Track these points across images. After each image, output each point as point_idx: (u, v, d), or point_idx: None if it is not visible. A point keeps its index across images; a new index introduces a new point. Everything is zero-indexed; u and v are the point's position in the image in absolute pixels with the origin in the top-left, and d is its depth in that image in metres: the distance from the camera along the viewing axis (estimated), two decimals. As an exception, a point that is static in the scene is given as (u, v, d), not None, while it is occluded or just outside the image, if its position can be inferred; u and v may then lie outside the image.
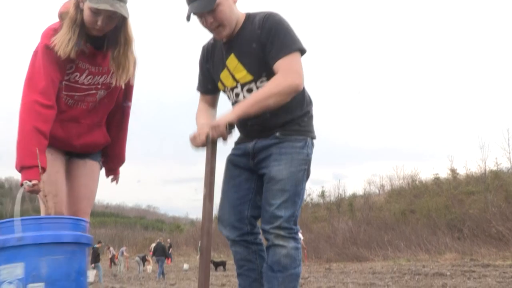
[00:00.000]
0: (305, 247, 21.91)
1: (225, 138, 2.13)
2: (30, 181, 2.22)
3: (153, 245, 27.29)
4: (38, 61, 2.35)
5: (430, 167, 73.03)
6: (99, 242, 19.09)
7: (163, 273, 18.27)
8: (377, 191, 41.12)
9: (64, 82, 2.45)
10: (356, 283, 8.57)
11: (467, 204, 25.70)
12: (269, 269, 2.17)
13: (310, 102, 2.40)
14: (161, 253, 19.19)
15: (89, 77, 2.49)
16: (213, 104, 2.54)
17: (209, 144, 2.12)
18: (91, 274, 15.28)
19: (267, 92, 2.10)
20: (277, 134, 2.25)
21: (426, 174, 51.85)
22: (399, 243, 22.30)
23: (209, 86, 2.49)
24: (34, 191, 2.26)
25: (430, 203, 27.80)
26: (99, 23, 2.31)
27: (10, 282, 1.85)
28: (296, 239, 2.17)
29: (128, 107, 2.86)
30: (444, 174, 32.78)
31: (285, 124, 2.27)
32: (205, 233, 2.04)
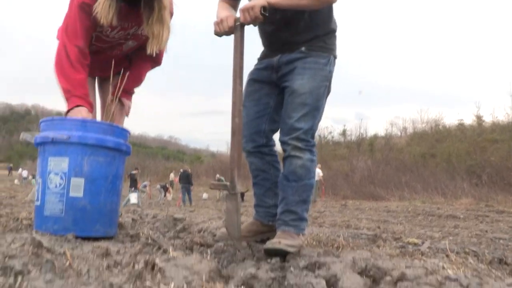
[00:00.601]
0: (324, 183, 22.21)
1: (257, 22, 2.13)
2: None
3: (172, 174, 27.98)
4: (74, 14, 2.35)
5: (456, 113, 72.02)
6: (136, 169, 19.46)
7: (183, 201, 18.90)
8: (399, 133, 40.76)
9: (95, 34, 2.47)
10: (370, 219, 8.71)
11: (490, 151, 25.32)
12: (284, 179, 2.25)
13: (335, 24, 2.40)
14: (186, 180, 19.74)
15: (120, 32, 2.51)
16: (233, 7, 2.51)
17: (238, 27, 2.15)
18: (133, 197, 15.89)
19: None
20: (303, 49, 2.27)
21: (450, 120, 51.08)
22: (416, 185, 22.36)
23: None
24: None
25: (451, 148, 27.54)
26: None
27: (56, 173, 2.07)
28: (312, 152, 2.23)
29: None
30: (469, 120, 32.29)
31: (311, 40, 2.28)
32: (237, 114, 2.12)
